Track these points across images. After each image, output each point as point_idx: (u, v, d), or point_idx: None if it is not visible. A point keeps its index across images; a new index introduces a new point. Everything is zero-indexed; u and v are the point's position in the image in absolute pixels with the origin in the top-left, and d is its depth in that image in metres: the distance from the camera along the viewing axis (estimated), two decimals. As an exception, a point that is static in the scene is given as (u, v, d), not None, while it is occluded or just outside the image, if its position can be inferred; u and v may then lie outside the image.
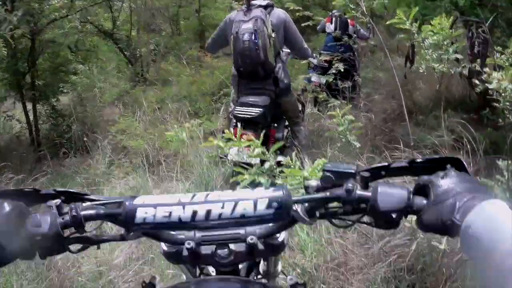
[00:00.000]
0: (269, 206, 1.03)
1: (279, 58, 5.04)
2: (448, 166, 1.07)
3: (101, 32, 11.55)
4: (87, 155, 6.76)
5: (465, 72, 3.60)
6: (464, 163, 1.08)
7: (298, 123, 5.46)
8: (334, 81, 6.95)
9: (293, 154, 3.12)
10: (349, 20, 7.47)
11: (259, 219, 1.05)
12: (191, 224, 1.05)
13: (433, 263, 3.26)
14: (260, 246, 1.15)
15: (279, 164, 4.31)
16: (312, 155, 5.13)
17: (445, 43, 3.43)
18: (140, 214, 1.04)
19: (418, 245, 3.22)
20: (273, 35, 4.77)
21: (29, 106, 7.95)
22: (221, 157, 4.80)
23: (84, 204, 1.12)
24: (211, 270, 1.32)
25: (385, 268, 3.36)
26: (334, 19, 7.89)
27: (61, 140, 7.24)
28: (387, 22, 4.17)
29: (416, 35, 3.63)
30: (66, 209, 1.10)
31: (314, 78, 7.55)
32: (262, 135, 3.57)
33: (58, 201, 1.11)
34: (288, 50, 5.49)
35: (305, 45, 5.37)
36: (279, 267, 1.51)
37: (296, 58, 6.33)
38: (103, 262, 3.90)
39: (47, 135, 7.74)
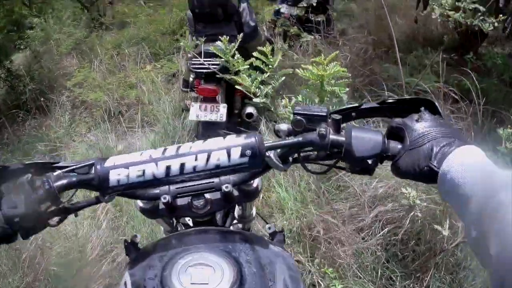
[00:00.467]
0: (242, 154, 1.04)
1: None
2: (422, 108, 1.07)
3: (54, -22, 11.19)
4: (47, 116, 6.52)
5: (485, 27, 3.34)
6: (437, 105, 1.09)
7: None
8: (305, 14, 6.56)
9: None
10: None
11: (234, 169, 1.06)
12: (165, 179, 1.05)
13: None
14: (235, 193, 1.20)
15: (248, 116, 4.09)
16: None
17: None
18: (113, 176, 1.04)
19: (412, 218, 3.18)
20: None
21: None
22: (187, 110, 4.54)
23: (55, 174, 1.09)
24: (188, 219, 1.39)
25: (377, 240, 3.32)
26: None
27: (19, 103, 6.93)
28: None
29: None
30: (38, 182, 1.06)
31: (284, 9, 6.95)
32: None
33: (28, 176, 1.06)
34: None
35: None
36: (254, 211, 1.54)
37: None
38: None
39: (5, 101, 7.44)
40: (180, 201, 1.16)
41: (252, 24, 4.55)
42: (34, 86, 7.13)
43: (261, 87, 2.88)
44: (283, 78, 2.96)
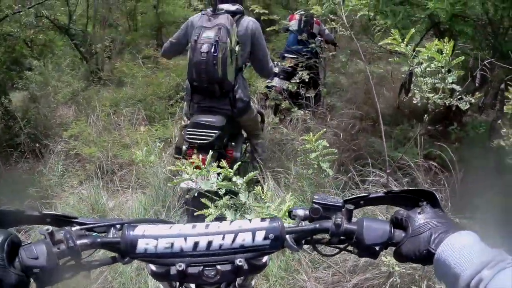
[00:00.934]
0: (266, 237, 1.11)
1: (240, 75, 4.69)
2: (424, 202, 1.17)
3: (57, 27, 11.37)
4: (40, 161, 6.63)
5: (461, 105, 3.60)
6: (437, 197, 1.18)
7: (258, 136, 5.27)
8: (297, 89, 6.81)
9: (264, 187, 2.92)
10: (314, 19, 7.31)
11: (257, 249, 1.12)
12: (192, 253, 1.10)
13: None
14: (245, 266, 1.17)
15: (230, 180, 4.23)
16: (274, 172, 5.09)
17: (443, 70, 3.42)
18: (142, 245, 1.09)
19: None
20: (236, 48, 4.41)
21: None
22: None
23: (74, 229, 1.12)
24: (192, 285, 1.35)
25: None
26: (298, 16, 7.77)
27: (13, 143, 7.05)
28: (380, 43, 4.13)
29: (411, 58, 3.59)
30: (58, 236, 1.08)
31: (276, 82, 7.24)
32: (209, 156, 3.25)
33: (49, 228, 1.09)
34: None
35: (270, 63, 4.98)
36: (253, 282, 1.54)
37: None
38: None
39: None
40: (192, 269, 1.15)
41: (246, 99, 4.72)
42: (30, 130, 7.21)
43: (227, 213, 2.97)
44: (247, 196, 3.02)
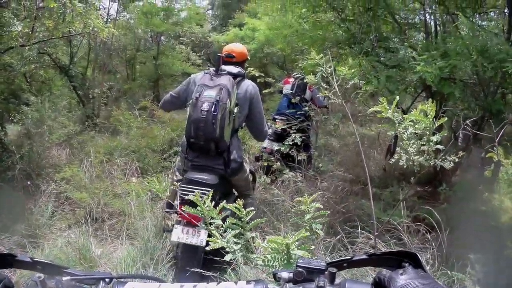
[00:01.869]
0: None
1: (235, 135, 4.84)
2: (407, 264, 1.21)
3: (58, 66, 11.45)
4: (30, 200, 6.62)
5: (445, 165, 3.69)
6: (420, 258, 1.21)
7: (249, 196, 5.26)
8: (289, 151, 6.90)
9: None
10: (308, 84, 7.42)
11: None
12: None
13: None
14: None
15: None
16: (264, 233, 5.15)
17: (427, 133, 3.52)
18: None
19: None
20: (235, 110, 4.55)
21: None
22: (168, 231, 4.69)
23: (64, 279, 1.17)
24: None
25: None
26: (292, 80, 7.91)
27: (5, 177, 7.05)
28: (370, 110, 4.23)
29: (397, 124, 3.70)
30: (49, 283, 1.13)
31: (266, 144, 7.39)
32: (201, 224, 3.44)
33: (41, 276, 1.14)
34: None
35: (266, 127, 5.18)
36: None
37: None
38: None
39: (-10, 168, 7.51)
40: None
41: (239, 160, 4.81)
42: (22, 167, 7.23)
43: (233, 246, 3.13)
44: (253, 234, 3.25)
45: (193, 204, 3.69)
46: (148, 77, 15.53)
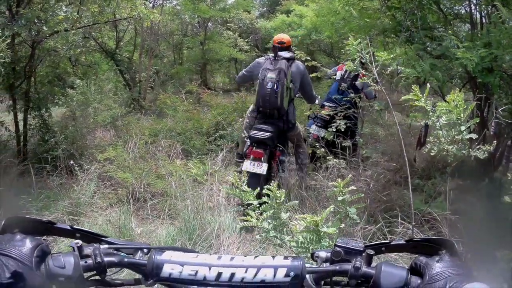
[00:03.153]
0: (287, 275, 1.13)
1: (292, 103, 6.46)
2: (443, 251, 1.18)
3: (104, 50, 11.49)
4: (72, 178, 6.62)
5: (479, 155, 3.54)
6: (456, 247, 1.18)
7: (301, 146, 6.89)
8: (333, 138, 6.92)
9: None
10: (361, 72, 7.31)
11: (276, 285, 1.13)
12: (214, 283, 1.12)
13: None
14: None
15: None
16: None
17: (458, 122, 3.38)
18: (167, 269, 1.12)
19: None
20: (291, 85, 6.21)
21: (21, 116, 7.67)
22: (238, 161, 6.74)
23: (102, 247, 1.17)
24: None
25: None
26: (346, 67, 7.79)
27: (48, 157, 7.03)
28: (402, 98, 4.11)
29: (430, 113, 3.56)
30: (86, 250, 1.14)
31: (313, 130, 7.79)
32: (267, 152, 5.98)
33: (78, 242, 1.15)
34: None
35: (314, 93, 6.97)
36: None
37: (301, 98, 7.19)
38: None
39: (34, 149, 7.60)
40: None
41: (293, 121, 6.48)
42: (66, 146, 7.24)
43: (266, 226, 3.24)
44: (288, 214, 3.25)
45: (258, 145, 5.95)
46: (195, 62, 15.64)
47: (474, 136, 3.48)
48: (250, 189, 4.46)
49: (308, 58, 7.32)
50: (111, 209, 5.87)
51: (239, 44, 16.11)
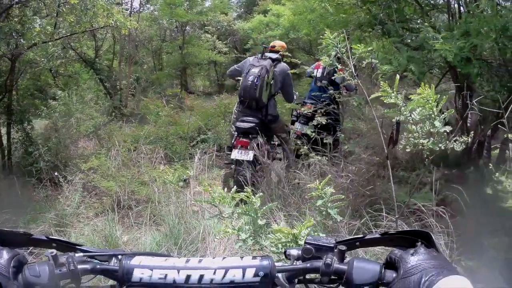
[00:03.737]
0: (256, 274, 1.13)
1: (272, 98, 7.12)
2: (419, 243, 1.18)
3: (83, 60, 11.50)
4: (57, 190, 6.65)
5: (456, 147, 3.59)
6: (433, 238, 1.17)
7: (285, 138, 7.40)
8: (315, 134, 6.96)
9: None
10: (338, 67, 7.40)
11: (246, 286, 1.13)
12: (183, 286, 1.13)
13: None
14: None
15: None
16: (291, 217, 5.19)
17: (432, 116, 3.42)
18: (137, 274, 1.12)
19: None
20: (271, 82, 6.87)
21: (4, 129, 7.71)
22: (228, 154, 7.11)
23: (77, 255, 1.17)
24: None
25: None
26: (323, 64, 7.89)
27: (32, 169, 7.09)
28: (371, 96, 4.18)
29: (402, 108, 3.60)
30: (61, 259, 1.13)
31: (297, 127, 8.06)
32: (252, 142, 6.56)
33: (53, 251, 1.14)
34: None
35: (293, 94, 7.59)
36: None
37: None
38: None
39: (19, 162, 7.62)
40: None
41: (274, 114, 7.15)
42: (50, 158, 7.28)
43: (243, 235, 3.18)
44: (264, 221, 3.22)
45: (244, 135, 6.67)
46: (175, 67, 15.61)
47: (449, 128, 3.52)
48: (236, 176, 6.46)
49: (288, 54, 7.59)
50: (97, 219, 5.90)
51: (218, 47, 16.16)
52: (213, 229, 5.06)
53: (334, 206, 3.61)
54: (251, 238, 3.18)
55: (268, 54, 7.14)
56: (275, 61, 7.04)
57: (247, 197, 3.11)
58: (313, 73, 8.59)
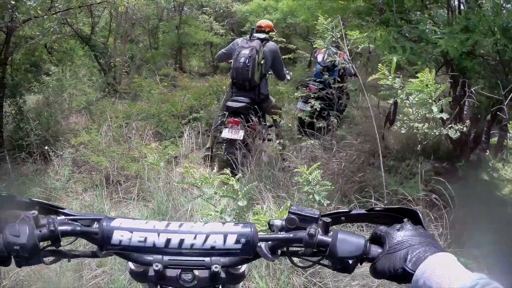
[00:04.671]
0: (237, 241, 1.12)
1: (264, 79, 7.27)
2: (405, 219, 1.17)
3: (79, 36, 11.46)
4: (47, 164, 6.65)
5: (451, 134, 3.60)
6: (420, 216, 1.17)
7: (276, 113, 7.35)
8: (308, 118, 7.23)
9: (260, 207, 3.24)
10: (339, 52, 7.47)
11: (227, 252, 1.13)
12: (163, 250, 1.12)
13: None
14: (223, 275, 1.23)
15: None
16: (279, 198, 5.21)
17: (429, 101, 3.43)
18: (117, 236, 1.11)
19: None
20: (262, 62, 7.00)
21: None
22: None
23: (59, 218, 1.16)
24: None
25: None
26: (324, 50, 7.98)
27: (23, 143, 7.10)
28: (369, 79, 4.19)
29: (399, 91, 3.61)
30: (42, 221, 1.13)
31: (300, 105, 8.22)
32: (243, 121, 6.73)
33: (35, 212, 1.14)
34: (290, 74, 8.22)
35: (284, 71, 7.64)
36: None
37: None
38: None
39: (10, 136, 7.60)
40: (170, 272, 1.20)
41: (265, 93, 7.26)
42: (41, 133, 7.28)
43: (226, 217, 3.26)
44: (246, 202, 3.29)
45: (235, 114, 6.78)
46: (170, 46, 15.56)
47: (445, 115, 3.53)
48: (226, 155, 6.58)
49: (283, 40, 7.48)
50: (86, 193, 5.91)
51: (215, 28, 16.10)
52: (201, 207, 5.08)
53: (321, 190, 3.62)
54: (234, 219, 3.20)
55: (256, 35, 7.28)
56: (263, 40, 7.20)
57: (227, 179, 3.18)
58: (315, 59, 8.89)
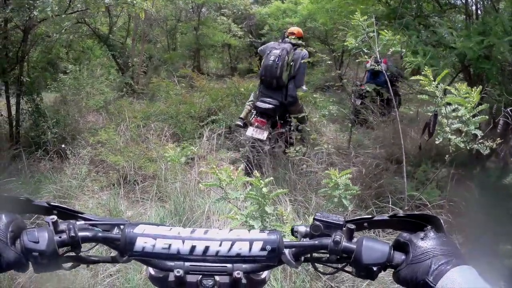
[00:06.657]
0: (263, 248, 1.10)
1: (292, 80, 7.22)
2: (428, 227, 1.14)
3: (97, 35, 11.48)
4: (63, 162, 6.62)
5: (482, 150, 3.56)
6: (442, 222, 1.14)
7: (303, 121, 7.26)
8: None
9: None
10: (382, 59, 7.64)
11: (252, 259, 1.11)
12: (187, 257, 1.10)
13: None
14: (244, 281, 1.19)
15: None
16: (297, 202, 5.20)
17: (467, 116, 3.39)
18: (140, 243, 1.09)
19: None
20: (291, 63, 7.06)
21: (14, 100, 7.60)
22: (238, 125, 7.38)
23: (78, 223, 1.15)
24: None
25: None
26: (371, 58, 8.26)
27: (40, 141, 7.06)
28: (412, 78, 4.17)
29: (439, 99, 3.57)
30: (61, 226, 1.12)
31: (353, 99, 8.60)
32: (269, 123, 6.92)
33: (54, 217, 1.12)
34: None
35: (304, 80, 7.62)
36: None
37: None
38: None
39: (27, 133, 7.56)
40: (190, 278, 1.17)
41: (294, 95, 7.19)
42: (57, 131, 7.25)
43: (251, 222, 3.23)
44: (273, 208, 3.26)
45: (261, 115, 6.87)
46: (188, 47, 15.59)
47: (480, 133, 3.50)
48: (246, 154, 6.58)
49: (302, 43, 7.63)
50: (102, 192, 5.90)
51: (233, 30, 16.07)
52: (218, 209, 5.03)
53: (347, 193, 3.60)
54: (260, 225, 3.19)
55: (287, 39, 7.41)
56: (294, 45, 7.28)
57: (257, 182, 3.16)
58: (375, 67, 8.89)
